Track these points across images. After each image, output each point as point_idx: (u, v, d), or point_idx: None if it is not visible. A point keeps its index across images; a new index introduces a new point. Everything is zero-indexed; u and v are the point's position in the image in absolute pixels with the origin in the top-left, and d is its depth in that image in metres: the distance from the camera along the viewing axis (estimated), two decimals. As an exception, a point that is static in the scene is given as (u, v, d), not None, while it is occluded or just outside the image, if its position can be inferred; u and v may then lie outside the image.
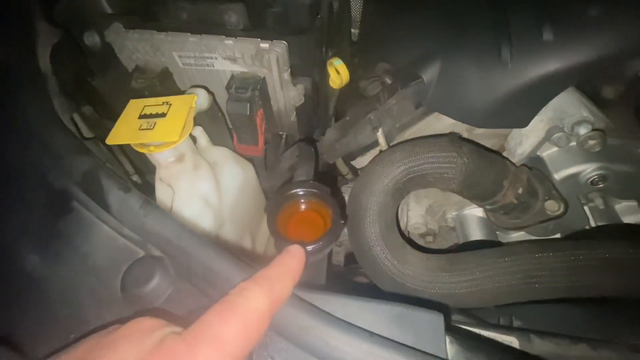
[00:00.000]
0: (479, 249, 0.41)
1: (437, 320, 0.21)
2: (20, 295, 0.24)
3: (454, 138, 0.41)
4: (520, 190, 0.43)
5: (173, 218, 0.23)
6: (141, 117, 0.33)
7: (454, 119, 0.46)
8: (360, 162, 0.68)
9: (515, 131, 0.50)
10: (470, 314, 0.39)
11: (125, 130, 0.32)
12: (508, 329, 0.34)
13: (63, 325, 0.22)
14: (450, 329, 0.21)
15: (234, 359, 0.16)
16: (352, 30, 0.85)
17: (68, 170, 0.25)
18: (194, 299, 0.23)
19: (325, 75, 0.65)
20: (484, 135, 0.52)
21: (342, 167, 0.68)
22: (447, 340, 0.21)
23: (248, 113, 0.47)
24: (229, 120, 0.50)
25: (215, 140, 0.46)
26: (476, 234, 0.59)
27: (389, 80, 0.55)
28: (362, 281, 0.61)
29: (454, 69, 0.43)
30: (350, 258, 0.63)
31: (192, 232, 0.23)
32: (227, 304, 0.18)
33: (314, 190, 0.27)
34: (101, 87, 0.55)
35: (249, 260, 0.23)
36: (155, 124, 0.32)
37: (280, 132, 0.62)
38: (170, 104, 0.34)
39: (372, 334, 0.19)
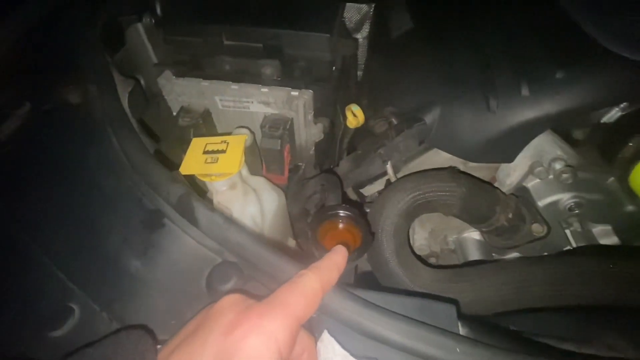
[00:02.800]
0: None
1: (450, 309, 0.28)
2: (128, 292, 0.30)
3: (454, 171, 0.50)
4: (510, 215, 0.51)
5: (248, 231, 0.30)
6: (205, 152, 0.41)
7: (452, 154, 0.55)
8: (368, 190, 0.76)
9: (504, 165, 0.59)
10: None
11: (193, 163, 0.40)
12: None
13: (164, 315, 0.28)
14: (461, 317, 0.28)
15: (298, 318, 0.23)
16: (358, 72, 0.97)
17: (165, 195, 0.33)
18: (262, 294, 0.30)
19: (339, 115, 0.75)
20: (477, 168, 0.61)
21: (352, 195, 0.76)
22: (460, 324, 0.28)
23: (279, 148, 0.56)
24: (262, 153, 0.59)
25: (251, 170, 0.54)
26: (474, 254, 0.66)
27: (395, 121, 0.64)
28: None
29: (452, 114, 0.52)
30: (361, 276, 0.69)
31: (262, 241, 0.30)
32: (290, 283, 0.25)
33: (350, 213, 0.35)
34: (147, 121, 0.63)
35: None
36: (218, 159, 0.40)
37: (300, 164, 0.71)
38: (228, 142, 0.42)
39: (404, 316, 0.26)
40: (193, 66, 0.61)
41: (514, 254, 0.65)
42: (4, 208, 0.36)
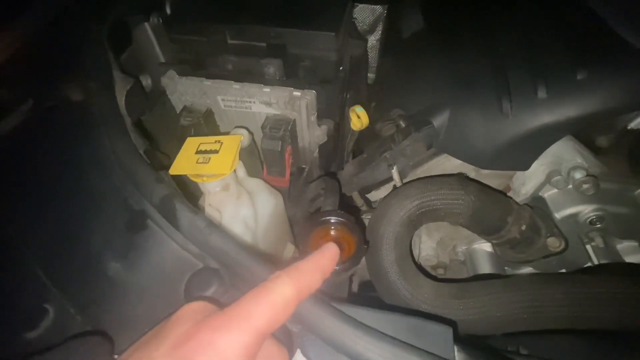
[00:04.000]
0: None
1: (446, 331, 0.26)
2: (105, 295, 0.29)
3: (462, 178, 0.46)
4: (523, 227, 0.47)
5: (231, 236, 0.28)
6: (198, 152, 0.40)
7: (463, 160, 0.52)
8: (374, 195, 0.73)
9: (519, 173, 0.56)
10: (480, 341, 0.42)
11: (185, 163, 0.38)
12: (515, 354, 0.37)
13: (140, 321, 0.27)
14: (458, 340, 0.25)
15: (259, 333, 0.20)
16: (369, 74, 0.94)
17: (149, 195, 0.31)
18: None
19: (344, 117, 0.73)
20: (490, 176, 0.58)
21: (358, 199, 0.73)
22: (456, 349, 0.25)
23: (279, 150, 0.54)
24: (262, 154, 0.57)
25: (250, 172, 0.53)
26: (485, 267, 0.62)
27: (403, 124, 0.62)
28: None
29: (462, 118, 0.49)
30: (363, 286, 0.66)
31: (245, 248, 0.28)
32: (259, 288, 0.22)
33: (343, 219, 0.33)
34: (148, 123, 0.63)
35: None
36: (210, 159, 0.38)
37: (303, 166, 0.69)
38: (222, 143, 0.41)
39: (392, 338, 0.24)
40: (197, 65, 0.60)
41: (527, 269, 0.61)
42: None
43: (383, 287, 0.42)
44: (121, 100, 0.43)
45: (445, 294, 0.42)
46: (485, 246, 0.64)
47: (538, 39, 0.48)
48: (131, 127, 0.40)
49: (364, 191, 0.72)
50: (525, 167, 0.51)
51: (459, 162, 0.56)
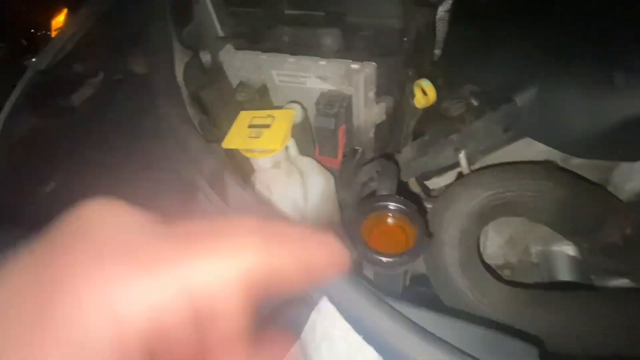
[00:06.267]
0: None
1: (530, 350, 0.21)
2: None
3: (551, 166, 0.39)
4: (628, 231, 0.38)
5: (281, 215, 0.26)
6: (250, 126, 0.38)
7: (551, 147, 0.43)
8: (435, 182, 0.66)
9: (624, 165, 0.45)
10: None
11: (237, 137, 0.37)
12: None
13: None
14: (547, 364, 0.21)
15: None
16: (435, 51, 0.85)
17: (199, 167, 0.31)
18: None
19: (406, 94, 0.66)
20: (581, 167, 0.48)
21: (415, 187, 0.67)
22: (543, 375, 0.20)
23: (333, 128, 0.51)
24: (315, 133, 0.54)
25: (302, 150, 0.50)
26: (565, 274, 0.53)
27: (475, 102, 0.54)
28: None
29: (556, 95, 0.41)
30: (414, 280, 0.61)
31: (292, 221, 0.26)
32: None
33: (404, 207, 0.28)
34: (207, 97, 0.64)
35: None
36: (261, 134, 0.37)
37: (357, 148, 0.65)
38: (274, 117, 0.38)
39: (463, 352, 0.20)
40: (253, 39, 0.59)
41: (622, 282, 0.50)
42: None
43: (442, 285, 0.37)
44: (179, 73, 0.43)
45: (519, 300, 0.36)
46: (567, 249, 0.54)
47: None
48: (188, 101, 0.39)
49: (422, 177, 0.66)
50: (636, 157, 0.41)
51: (542, 148, 0.47)
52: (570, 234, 0.43)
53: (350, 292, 0.23)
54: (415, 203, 0.32)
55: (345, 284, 0.23)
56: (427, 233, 0.27)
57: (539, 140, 0.46)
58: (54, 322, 0.11)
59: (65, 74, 0.49)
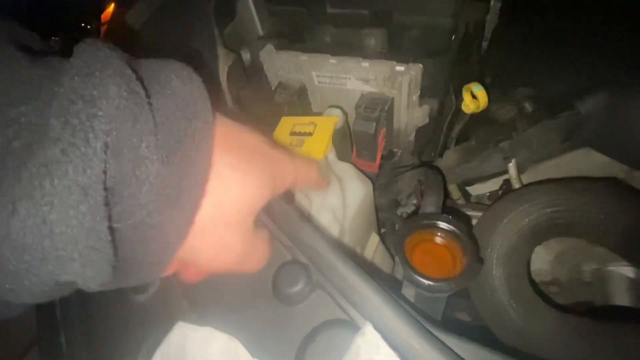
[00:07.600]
0: (623, 316, 0.34)
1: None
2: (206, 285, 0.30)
3: (618, 184, 0.35)
4: None
5: (323, 233, 0.26)
6: (292, 134, 0.38)
7: (617, 159, 0.39)
8: (476, 188, 0.63)
9: None
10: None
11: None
12: None
13: (226, 305, 0.28)
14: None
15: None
16: (483, 43, 0.79)
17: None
18: (328, 308, 0.26)
19: (450, 95, 0.63)
20: (649, 182, 0.43)
21: (455, 192, 0.65)
22: None
23: (373, 132, 0.49)
24: (353, 136, 0.53)
25: (339, 153, 0.49)
26: (622, 297, 0.49)
27: (529, 107, 0.50)
28: (464, 319, 0.57)
29: (631, 103, 0.36)
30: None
31: (336, 248, 0.25)
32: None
33: (455, 228, 0.27)
34: (245, 96, 0.65)
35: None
36: (303, 142, 0.36)
37: (396, 150, 0.63)
38: (316, 124, 0.38)
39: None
40: (295, 39, 0.58)
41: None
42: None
43: (487, 307, 0.36)
44: (223, 75, 0.44)
45: (572, 328, 0.33)
46: (626, 270, 0.50)
47: None
48: (231, 102, 0.40)
49: (463, 183, 0.63)
50: None
51: (603, 159, 0.43)
52: (636, 260, 0.39)
53: (395, 321, 0.22)
54: (460, 217, 0.30)
55: (389, 312, 0.22)
56: (478, 259, 0.26)
57: (603, 152, 0.41)
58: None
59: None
